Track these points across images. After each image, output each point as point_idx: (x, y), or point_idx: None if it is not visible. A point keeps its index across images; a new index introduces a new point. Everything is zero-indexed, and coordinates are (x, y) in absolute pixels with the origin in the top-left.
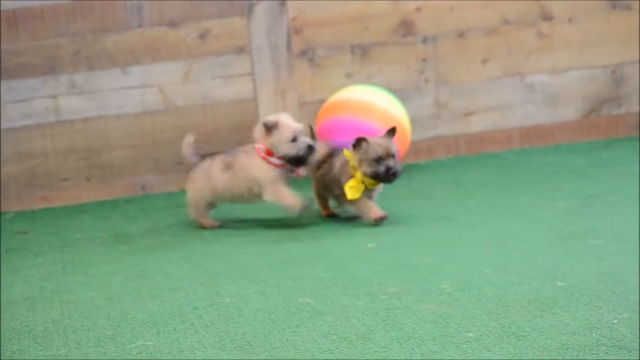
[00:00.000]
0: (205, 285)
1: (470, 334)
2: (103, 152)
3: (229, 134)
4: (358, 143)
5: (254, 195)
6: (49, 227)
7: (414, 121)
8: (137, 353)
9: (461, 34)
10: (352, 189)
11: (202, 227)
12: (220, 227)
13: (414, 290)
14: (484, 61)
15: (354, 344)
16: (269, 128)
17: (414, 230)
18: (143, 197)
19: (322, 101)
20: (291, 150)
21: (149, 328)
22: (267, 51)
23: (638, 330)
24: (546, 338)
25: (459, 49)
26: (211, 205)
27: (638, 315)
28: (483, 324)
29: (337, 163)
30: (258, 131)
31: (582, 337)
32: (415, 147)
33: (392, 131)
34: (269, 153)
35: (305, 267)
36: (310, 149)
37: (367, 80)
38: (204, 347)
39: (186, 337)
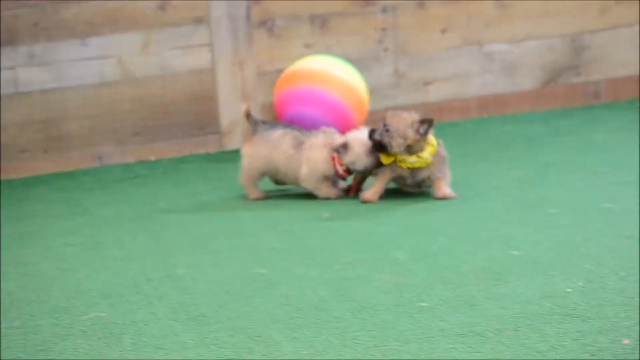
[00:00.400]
0: (160, 257)
1: (424, 304)
2: (61, 123)
3: (187, 105)
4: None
5: (297, 180)
6: (5, 199)
7: (373, 91)
8: (91, 324)
9: (421, 4)
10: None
11: (247, 197)
12: (266, 198)
13: (368, 260)
14: (443, 31)
15: (308, 314)
16: (341, 153)
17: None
18: (100, 168)
19: (280, 71)
20: (365, 162)
21: (102, 299)
22: (226, 22)
23: (592, 299)
24: (499, 307)
25: (419, 18)
26: (261, 176)
27: (592, 284)
28: (437, 294)
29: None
30: (335, 154)
31: (535, 305)
32: (374, 116)
33: (427, 122)
34: (340, 163)
35: (260, 237)
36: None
37: (327, 51)
38: (158, 318)
39: (140, 308)
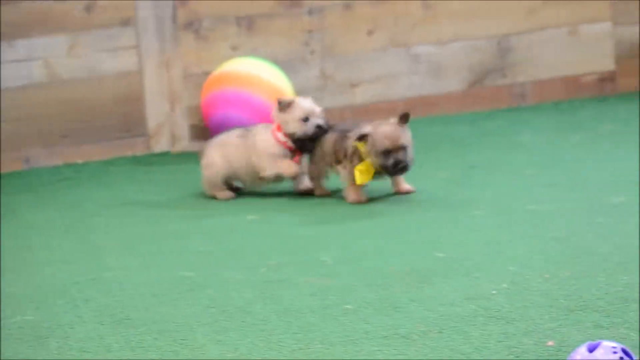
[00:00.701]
0: (87, 260)
1: (349, 306)
2: None
3: (114, 107)
4: (363, 137)
5: (255, 171)
6: None
7: (299, 93)
8: (17, 328)
9: (347, 5)
10: (362, 173)
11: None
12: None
13: (294, 263)
14: (369, 32)
15: (233, 316)
16: (283, 107)
17: (295, 203)
18: (28, 171)
19: (207, 73)
20: (299, 129)
21: (29, 303)
22: (152, 23)
23: (516, 300)
24: (424, 309)
25: (345, 19)
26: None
27: (517, 286)
28: (361, 296)
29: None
30: (273, 109)
31: (460, 307)
32: None
33: (404, 117)
34: (279, 129)
35: (186, 240)
36: (320, 129)
37: (253, 52)
38: (83, 322)
39: (65, 312)
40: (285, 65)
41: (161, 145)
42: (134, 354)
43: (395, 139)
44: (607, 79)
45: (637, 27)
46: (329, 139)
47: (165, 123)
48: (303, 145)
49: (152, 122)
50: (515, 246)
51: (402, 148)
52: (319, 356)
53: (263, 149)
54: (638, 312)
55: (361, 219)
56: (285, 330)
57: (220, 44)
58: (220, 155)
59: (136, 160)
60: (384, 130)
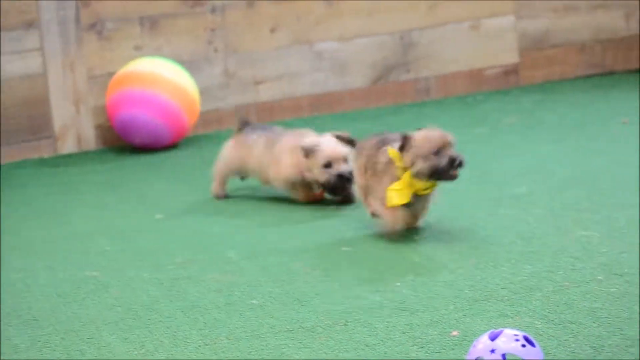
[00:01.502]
0: None
1: (254, 301)
2: None
3: (20, 110)
4: (405, 141)
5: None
6: None
7: (203, 91)
8: None
9: (250, 3)
10: (398, 194)
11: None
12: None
13: (200, 260)
14: (272, 30)
15: (139, 314)
16: (307, 153)
17: (201, 200)
18: None
19: (111, 74)
20: (321, 177)
21: None
22: (55, 25)
23: (421, 292)
24: (330, 302)
25: (248, 18)
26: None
27: (422, 278)
28: (267, 291)
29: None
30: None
31: (365, 300)
32: (205, 117)
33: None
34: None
35: (92, 240)
36: (341, 178)
37: (157, 52)
38: None
39: None
40: (189, 64)
41: (68, 146)
42: (40, 354)
43: (443, 135)
44: (510, 71)
45: (540, 20)
46: (367, 153)
47: (71, 124)
48: (331, 191)
49: (58, 124)
50: (420, 239)
51: (452, 144)
52: (225, 351)
53: (282, 172)
54: (542, 301)
55: (267, 215)
56: (191, 326)
57: (124, 45)
58: (238, 154)
59: (43, 162)
60: (425, 132)
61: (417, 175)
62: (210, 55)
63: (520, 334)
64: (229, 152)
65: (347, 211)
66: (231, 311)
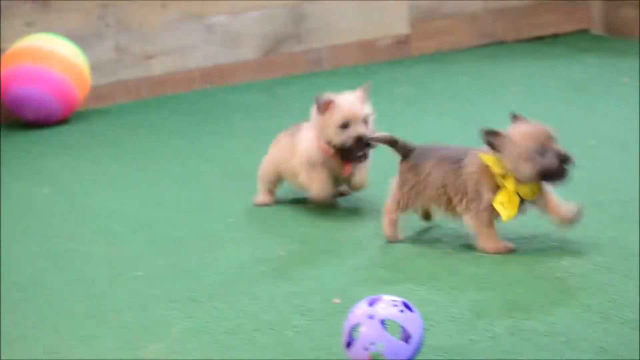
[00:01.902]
0: None
1: (139, 273)
2: None
3: None
4: (498, 141)
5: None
6: None
7: (95, 67)
8: None
9: None
10: (506, 206)
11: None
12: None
13: (86, 233)
14: (164, 4)
15: (24, 288)
16: (320, 107)
17: (88, 173)
18: None
19: (3, 51)
20: (337, 137)
21: None
22: None
23: (304, 261)
24: (215, 272)
25: None
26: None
27: (305, 246)
28: (152, 262)
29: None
30: (313, 109)
31: (249, 270)
32: (96, 92)
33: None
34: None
35: None
36: (360, 141)
37: (48, 28)
38: None
39: None
40: (81, 39)
41: None
42: None
43: (546, 130)
44: (402, 42)
45: None
46: (435, 171)
47: None
48: (348, 154)
49: None
50: (303, 208)
51: (555, 138)
52: (109, 322)
53: (302, 152)
54: (425, 267)
55: (159, 188)
56: (77, 299)
57: (15, 21)
58: (270, 155)
59: None
60: (524, 128)
61: (524, 180)
62: (102, 30)
63: (399, 299)
64: (269, 155)
65: (234, 182)
66: (116, 283)
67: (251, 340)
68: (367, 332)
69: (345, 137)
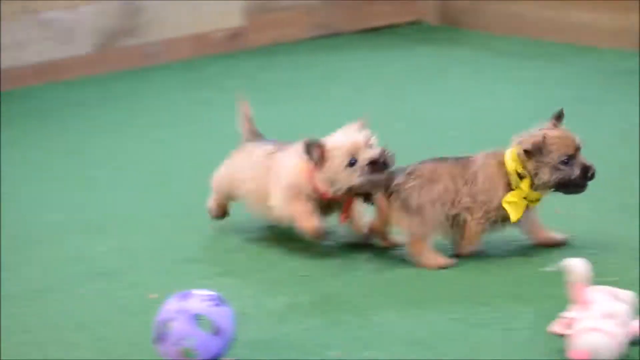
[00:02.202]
0: None
1: None
2: None
3: None
4: (535, 145)
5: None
6: None
7: None
8: None
9: None
10: (515, 207)
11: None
12: None
13: None
14: None
15: None
16: (315, 160)
17: None
18: None
19: None
20: (351, 181)
21: None
22: None
23: (123, 257)
24: (36, 271)
25: None
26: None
27: (125, 243)
28: None
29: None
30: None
31: (70, 268)
32: None
33: (559, 116)
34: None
35: None
36: (376, 165)
37: None
38: None
39: None
40: None
41: None
42: None
43: (573, 139)
44: (236, 35)
45: None
46: (439, 167)
47: None
48: (369, 194)
49: None
50: (136, 206)
51: (580, 149)
52: None
53: (284, 176)
54: (244, 262)
55: None
56: None
57: None
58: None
59: None
60: (554, 133)
61: (540, 187)
62: None
63: (211, 294)
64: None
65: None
66: None
67: (64, 337)
68: (178, 327)
69: (360, 178)
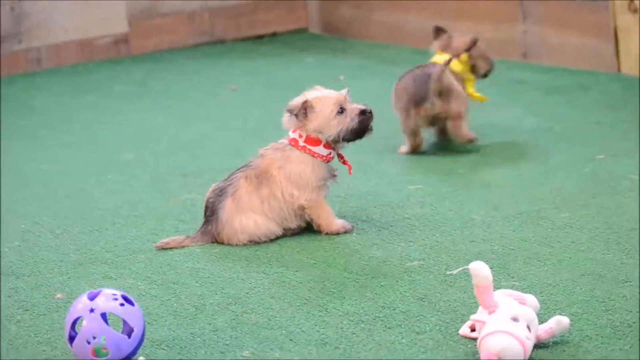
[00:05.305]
0: None
1: None
2: None
3: None
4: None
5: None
6: None
7: None
8: None
9: None
10: (476, 93)
11: None
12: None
13: None
14: None
15: None
16: (299, 114)
17: None
18: None
19: None
20: (342, 126)
21: None
22: None
23: (26, 257)
24: None
25: None
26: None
27: (27, 243)
28: None
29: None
30: (287, 121)
31: None
32: None
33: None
34: (313, 141)
35: None
36: (364, 113)
37: None
38: None
39: None
40: None
41: None
42: None
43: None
44: (121, 41)
45: None
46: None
47: None
48: (358, 134)
49: None
50: (26, 204)
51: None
52: None
53: (302, 181)
54: (145, 263)
55: None
56: None
57: None
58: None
59: None
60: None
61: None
62: None
63: (119, 293)
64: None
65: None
66: None
67: None
68: (88, 325)
69: (349, 120)
